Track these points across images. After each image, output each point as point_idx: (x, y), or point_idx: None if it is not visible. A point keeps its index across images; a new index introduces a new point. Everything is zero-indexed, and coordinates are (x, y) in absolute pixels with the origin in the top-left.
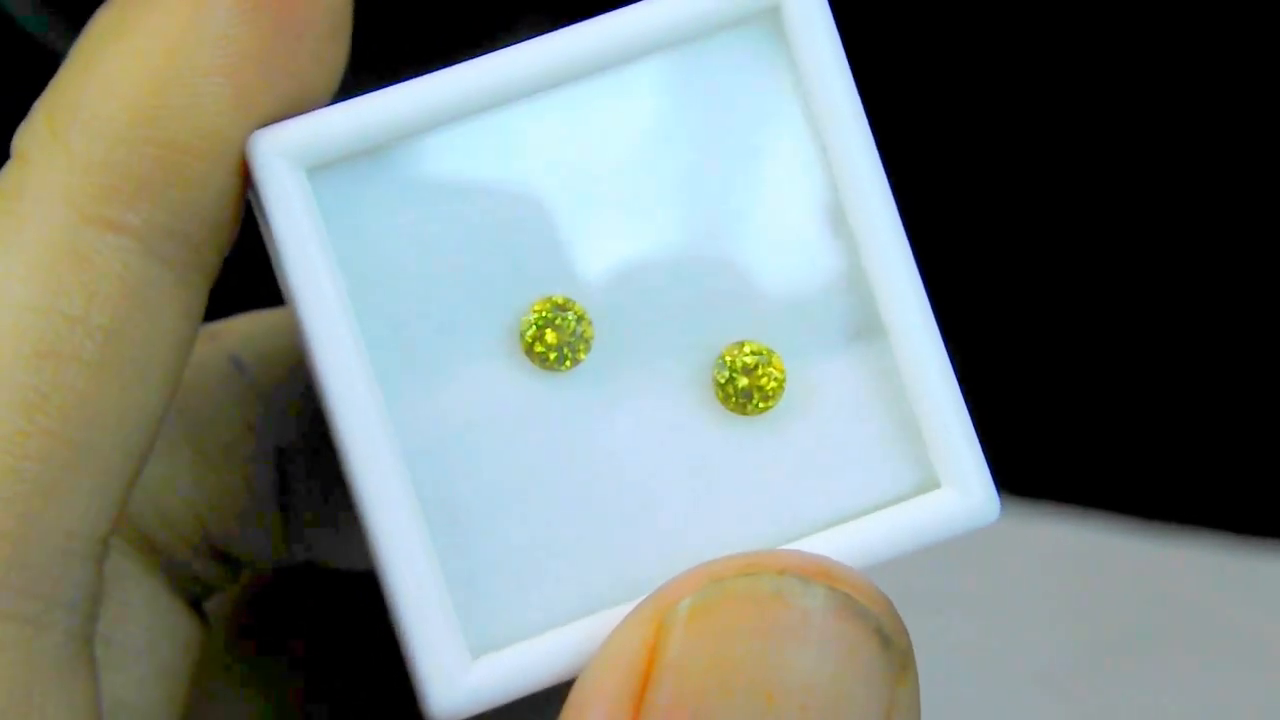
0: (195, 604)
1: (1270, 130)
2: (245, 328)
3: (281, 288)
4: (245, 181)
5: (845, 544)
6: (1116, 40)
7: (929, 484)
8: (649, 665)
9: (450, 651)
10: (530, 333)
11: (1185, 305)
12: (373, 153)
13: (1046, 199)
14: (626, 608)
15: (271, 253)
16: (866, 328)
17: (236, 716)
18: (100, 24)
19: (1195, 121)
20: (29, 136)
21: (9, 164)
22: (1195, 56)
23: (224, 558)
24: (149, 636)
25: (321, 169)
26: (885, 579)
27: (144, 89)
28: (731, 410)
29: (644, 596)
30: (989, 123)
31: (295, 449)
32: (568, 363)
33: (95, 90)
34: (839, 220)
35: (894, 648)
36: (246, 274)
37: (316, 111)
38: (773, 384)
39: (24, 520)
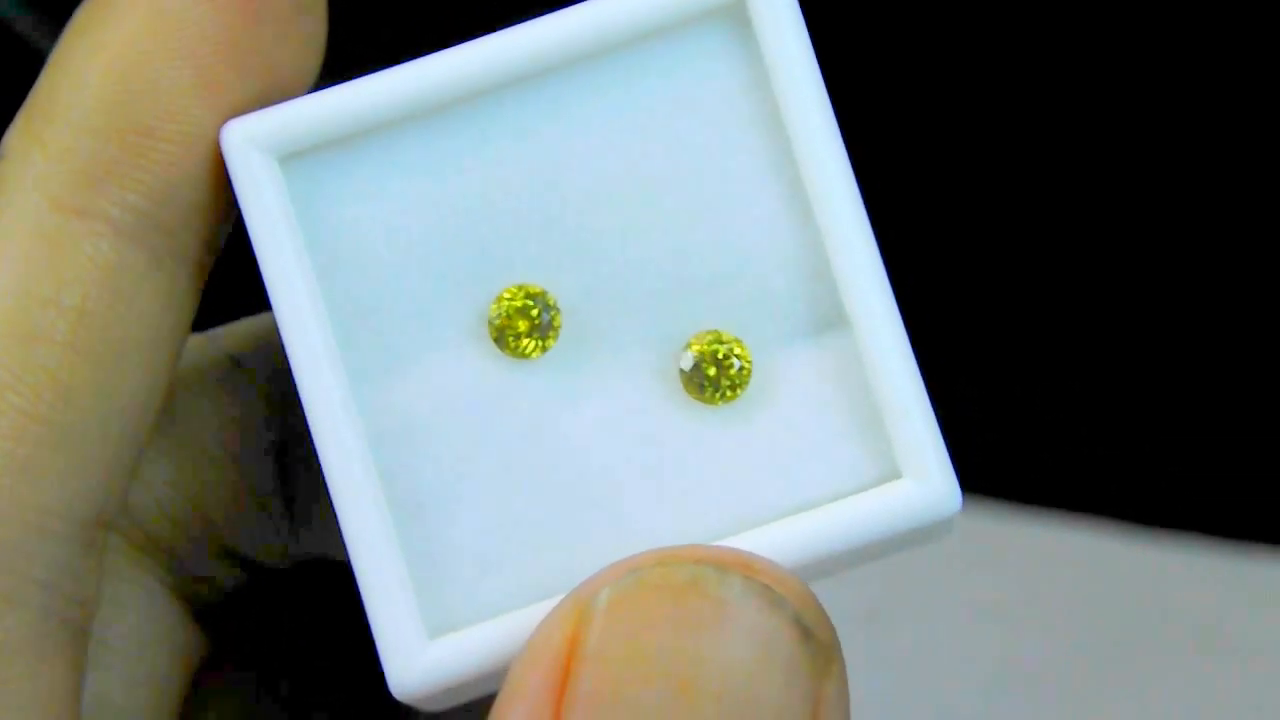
0: (202, 612)
1: (1265, 130)
2: (244, 329)
3: None
4: (226, 172)
5: (802, 532)
6: (1086, 24)
7: (890, 475)
8: (569, 658)
9: (408, 630)
10: (499, 320)
11: (1177, 306)
12: (345, 142)
13: (1030, 194)
14: None
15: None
16: (832, 319)
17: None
18: (73, 26)
19: (1166, 108)
20: (11, 136)
21: None
22: (1175, 42)
23: (232, 555)
24: (141, 639)
25: (294, 157)
26: (877, 583)
27: (108, 78)
28: (697, 399)
29: None
30: (953, 118)
31: (296, 443)
32: (536, 351)
33: (65, 85)
34: (805, 212)
35: (815, 640)
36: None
37: (290, 101)
38: (738, 373)
39: None
